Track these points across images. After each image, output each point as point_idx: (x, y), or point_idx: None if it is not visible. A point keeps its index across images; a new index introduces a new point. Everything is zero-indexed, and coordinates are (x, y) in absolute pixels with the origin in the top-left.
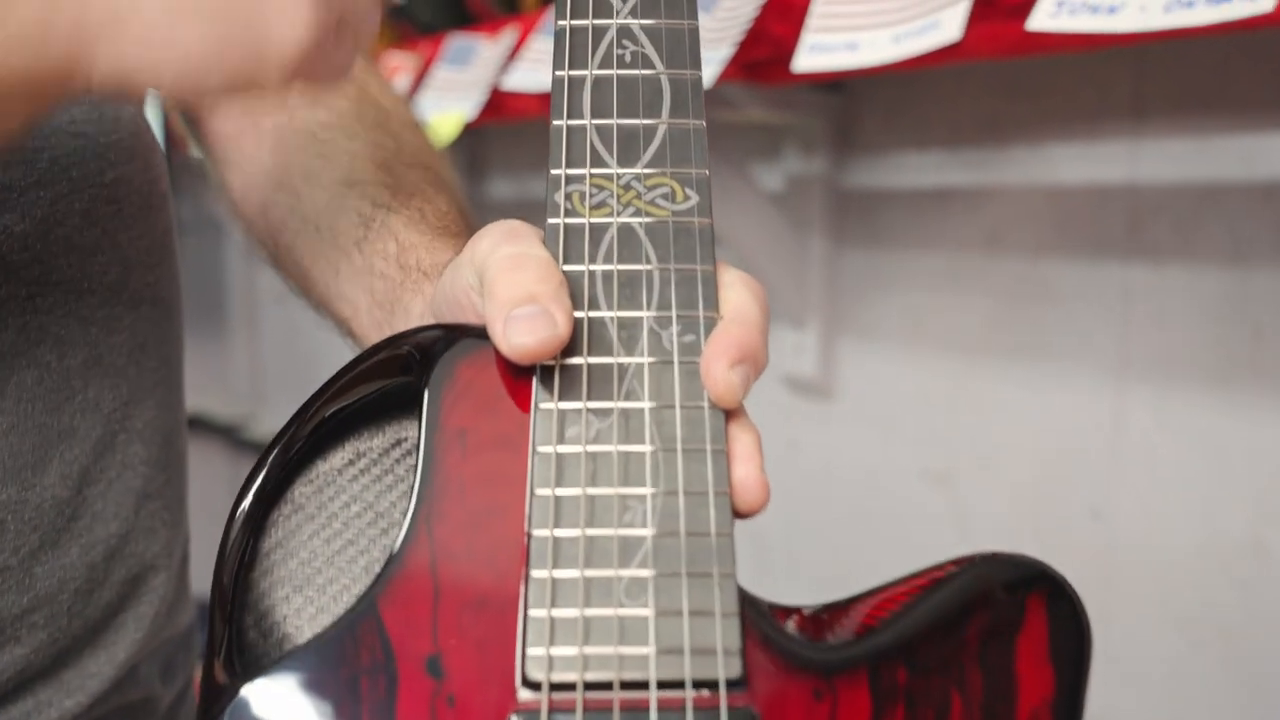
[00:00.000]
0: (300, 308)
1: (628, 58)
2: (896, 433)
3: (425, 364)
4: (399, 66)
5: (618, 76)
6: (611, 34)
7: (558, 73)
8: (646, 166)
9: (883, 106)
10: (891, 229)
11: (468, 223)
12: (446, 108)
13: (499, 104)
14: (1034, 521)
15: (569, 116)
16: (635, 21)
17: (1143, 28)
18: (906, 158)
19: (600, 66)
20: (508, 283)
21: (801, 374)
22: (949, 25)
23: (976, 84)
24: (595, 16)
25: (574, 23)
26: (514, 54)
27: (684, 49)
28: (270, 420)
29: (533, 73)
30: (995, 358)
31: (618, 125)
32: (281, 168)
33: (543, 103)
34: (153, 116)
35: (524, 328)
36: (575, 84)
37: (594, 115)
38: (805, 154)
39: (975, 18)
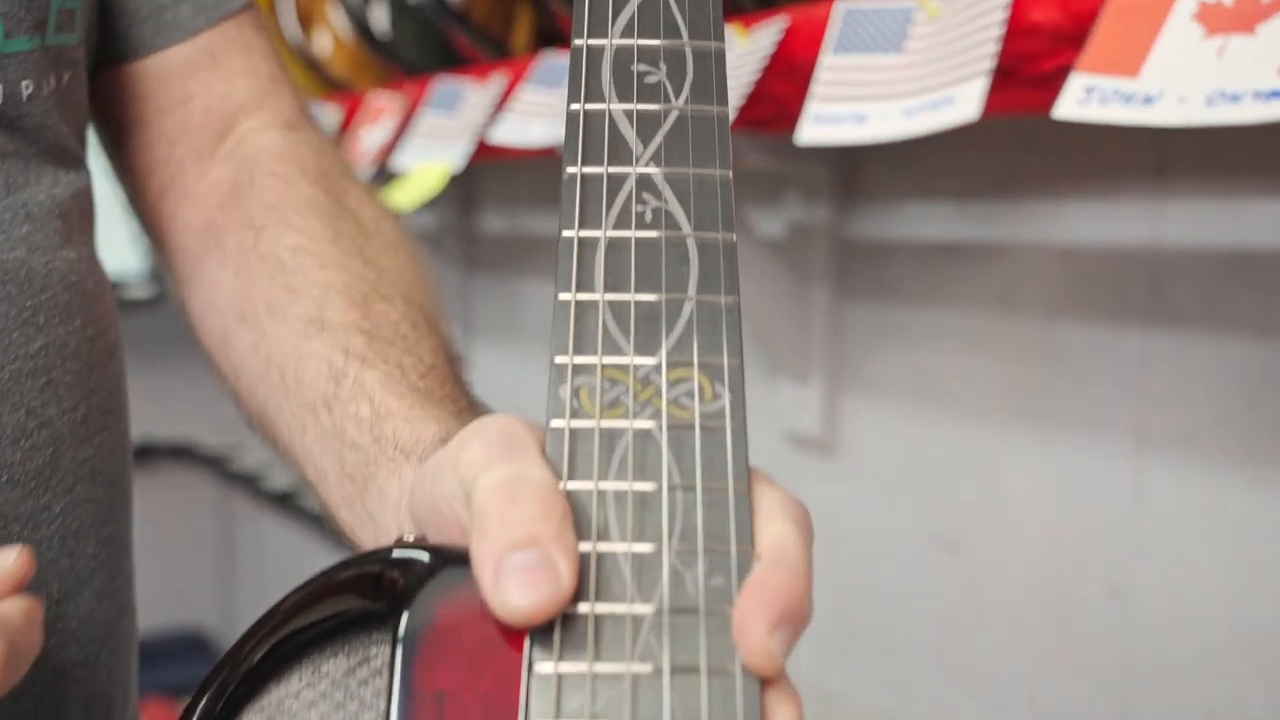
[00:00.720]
0: None
1: (648, 215)
2: (903, 494)
3: (399, 597)
4: (384, 108)
5: (636, 240)
6: (630, 185)
7: (565, 233)
8: (669, 355)
9: (889, 154)
10: (898, 282)
11: (454, 369)
12: (432, 155)
13: (487, 150)
14: (1049, 596)
15: (578, 289)
16: (658, 170)
17: (1182, 122)
18: (914, 209)
19: (616, 226)
20: (502, 519)
21: (803, 430)
22: (965, 102)
23: (989, 135)
24: (611, 163)
25: (586, 170)
26: (503, 101)
27: (715, 205)
28: (260, 450)
29: (521, 125)
30: (1007, 421)
31: (635, 302)
32: (245, 297)
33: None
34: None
35: (520, 583)
36: (586, 248)
37: (608, 288)
38: (808, 201)
39: (994, 88)
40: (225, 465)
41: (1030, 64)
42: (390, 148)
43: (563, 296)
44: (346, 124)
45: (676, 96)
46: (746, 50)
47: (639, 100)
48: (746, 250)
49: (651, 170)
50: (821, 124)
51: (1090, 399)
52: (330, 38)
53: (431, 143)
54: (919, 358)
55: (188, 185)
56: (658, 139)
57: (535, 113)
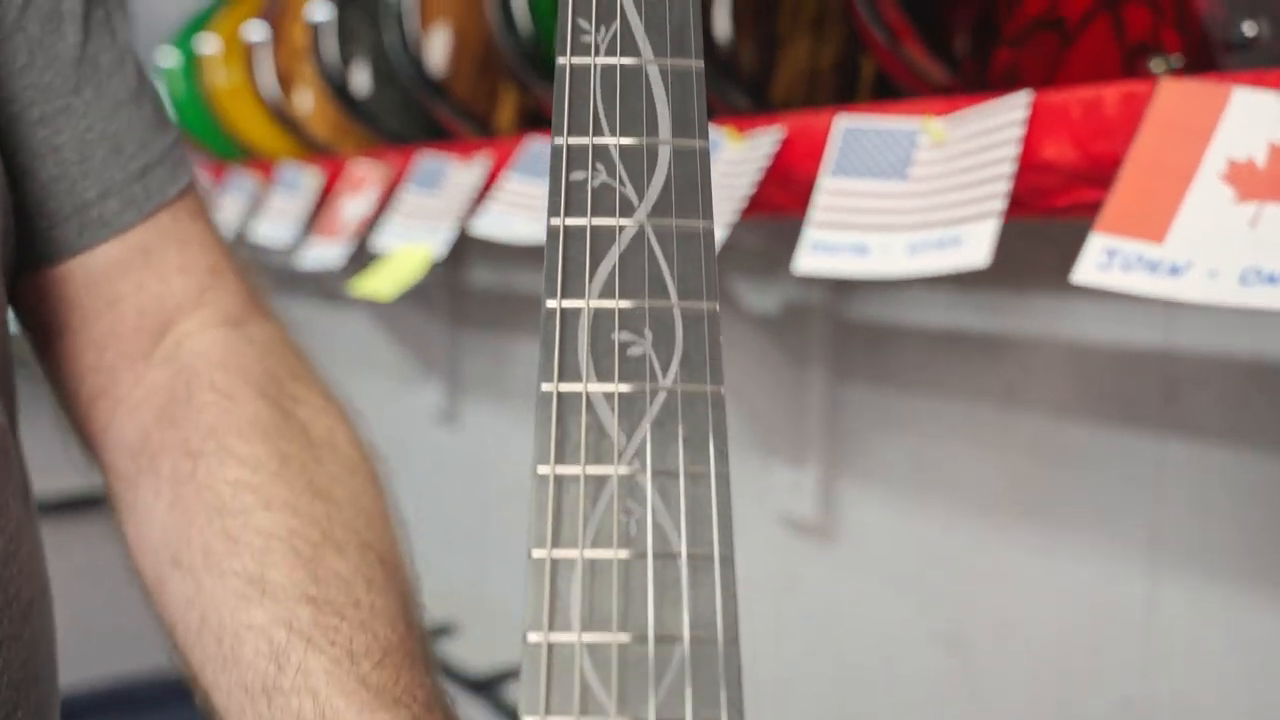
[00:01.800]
0: None
1: (633, 528)
2: (903, 587)
3: None
4: (366, 177)
5: (619, 563)
6: (611, 489)
7: (536, 552)
8: (659, 711)
9: None
10: (898, 367)
11: (413, 641)
12: (414, 236)
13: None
14: (1057, 703)
15: (551, 627)
16: (644, 474)
17: (1213, 301)
18: (915, 294)
19: (595, 544)
20: None
21: (799, 514)
22: (975, 244)
23: None
24: (590, 461)
25: (560, 470)
26: (488, 185)
27: (710, 512)
28: None
29: (505, 218)
30: (1013, 519)
31: (619, 649)
32: (181, 538)
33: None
34: None
35: None
36: (560, 572)
37: (587, 625)
38: (804, 279)
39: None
40: None
41: (1043, 198)
42: (371, 221)
43: (533, 638)
44: (328, 189)
45: (664, 373)
46: (740, 157)
47: (621, 379)
48: (739, 326)
49: (637, 473)
50: (820, 253)
51: (1101, 503)
52: (310, 98)
53: (413, 223)
54: (919, 446)
55: (120, 392)
56: (643, 429)
57: (519, 204)
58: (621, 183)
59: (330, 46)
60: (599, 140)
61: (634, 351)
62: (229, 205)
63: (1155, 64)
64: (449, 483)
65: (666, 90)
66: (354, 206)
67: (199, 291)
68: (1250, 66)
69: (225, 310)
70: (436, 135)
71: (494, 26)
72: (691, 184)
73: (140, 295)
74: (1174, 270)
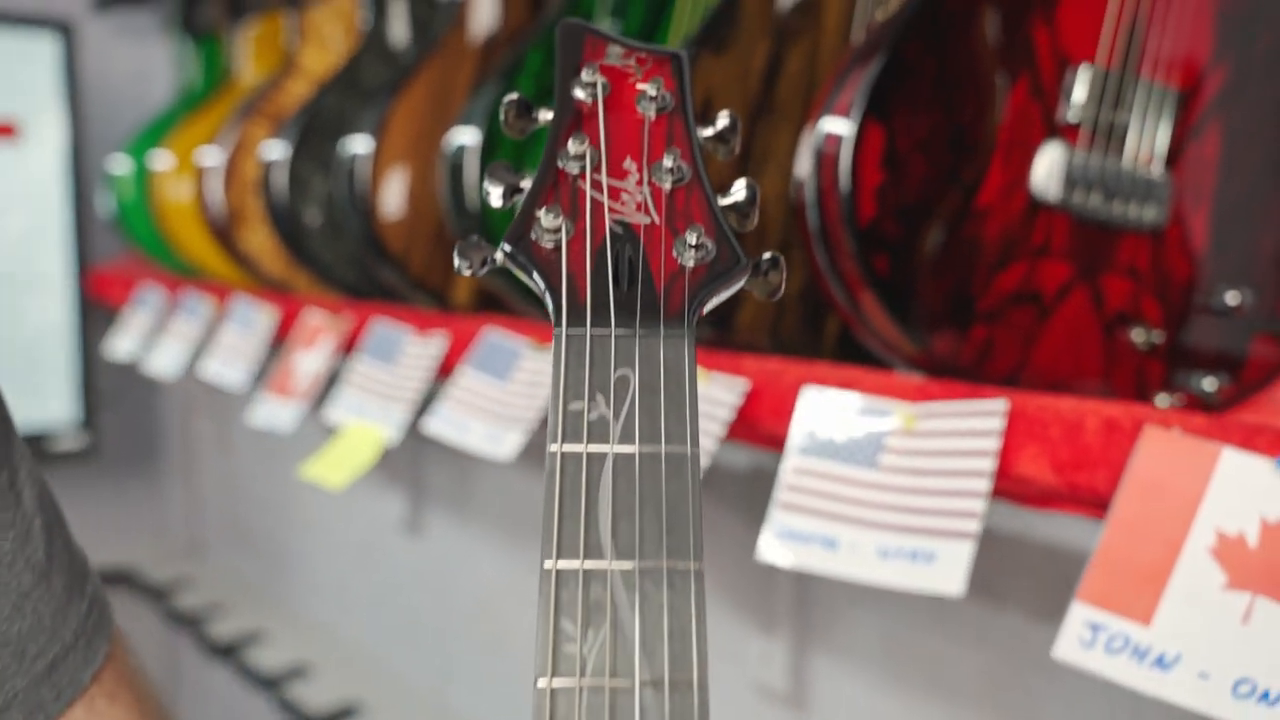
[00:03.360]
0: (243, 456)
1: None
2: None
3: None
4: (321, 329)
5: None
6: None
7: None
8: None
9: None
10: None
11: None
12: (367, 413)
13: None
14: None
15: None
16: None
17: (1202, 709)
18: None
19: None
20: None
21: (770, 683)
22: (949, 568)
23: None
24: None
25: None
26: (444, 367)
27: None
28: (208, 586)
29: (459, 420)
30: (985, 714)
31: None
32: None
33: None
34: None
35: None
36: None
37: None
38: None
39: None
40: (168, 601)
41: (1022, 500)
42: (325, 380)
43: None
44: (282, 331)
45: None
46: (706, 395)
47: None
48: (708, 489)
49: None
50: (787, 541)
51: (1078, 714)
52: (261, 235)
53: (366, 398)
54: (892, 627)
55: None
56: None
57: (475, 405)
58: None
59: (281, 188)
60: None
61: None
62: (181, 328)
63: (1136, 333)
64: (412, 593)
65: None
66: (308, 362)
67: None
68: (1232, 335)
69: None
70: (391, 294)
71: (443, 208)
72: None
73: None
74: (1162, 663)
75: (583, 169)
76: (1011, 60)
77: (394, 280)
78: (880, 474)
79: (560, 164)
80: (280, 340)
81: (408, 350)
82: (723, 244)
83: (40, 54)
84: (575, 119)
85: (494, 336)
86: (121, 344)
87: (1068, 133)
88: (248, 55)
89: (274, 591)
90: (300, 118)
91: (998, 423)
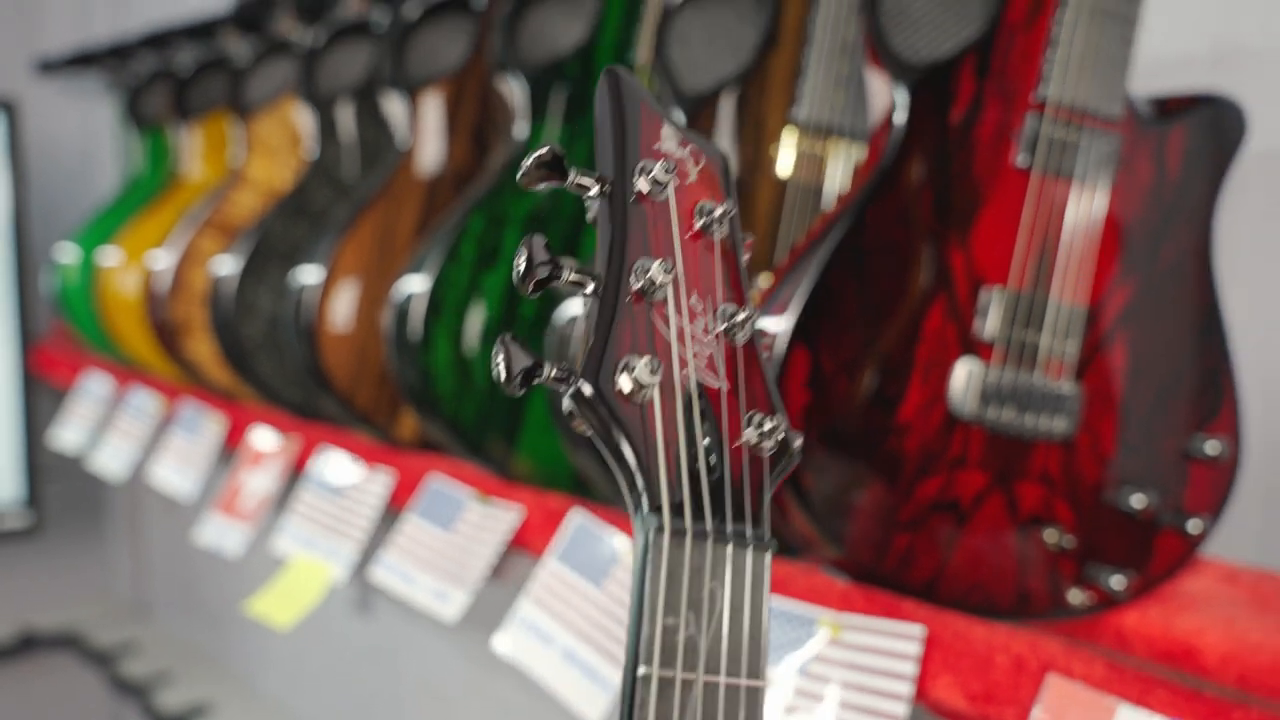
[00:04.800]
0: (190, 517)
1: None
2: None
3: None
4: (264, 455)
5: None
6: None
7: None
8: None
9: None
10: None
11: None
12: (313, 545)
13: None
14: None
15: None
16: None
17: None
18: None
19: None
20: None
21: None
22: None
23: None
24: None
25: None
26: (391, 503)
27: None
28: (155, 651)
29: (404, 571)
30: None
31: None
32: None
33: None
34: None
35: None
36: None
37: None
38: None
39: None
40: (114, 667)
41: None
42: (273, 502)
43: None
44: (231, 439)
45: None
46: None
47: None
48: None
49: None
50: None
51: None
52: (209, 348)
53: (313, 529)
54: None
55: None
56: None
57: (420, 555)
58: None
59: (228, 306)
60: None
61: None
62: (128, 426)
63: (1049, 534)
64: (360, 671)
65: None
66: (255, 482)
67: None
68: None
69: None
70: (336, 419)
71: (388, 355)
72: None
73: None
74: None
75: (661, 298)
76: (929, 284)
77: (338, 412)
78: (808, 682)
79: (635, 284)
80: (229, 449)
81: (356, 484)
82: (784, 426)
83: None
84: (641, 226)
85: (438, 484)
86: (67, 435)
87: (982, 350)
88: (195, 154)
89: (223, 659)
90: (249, 239)
91: (915, 648)
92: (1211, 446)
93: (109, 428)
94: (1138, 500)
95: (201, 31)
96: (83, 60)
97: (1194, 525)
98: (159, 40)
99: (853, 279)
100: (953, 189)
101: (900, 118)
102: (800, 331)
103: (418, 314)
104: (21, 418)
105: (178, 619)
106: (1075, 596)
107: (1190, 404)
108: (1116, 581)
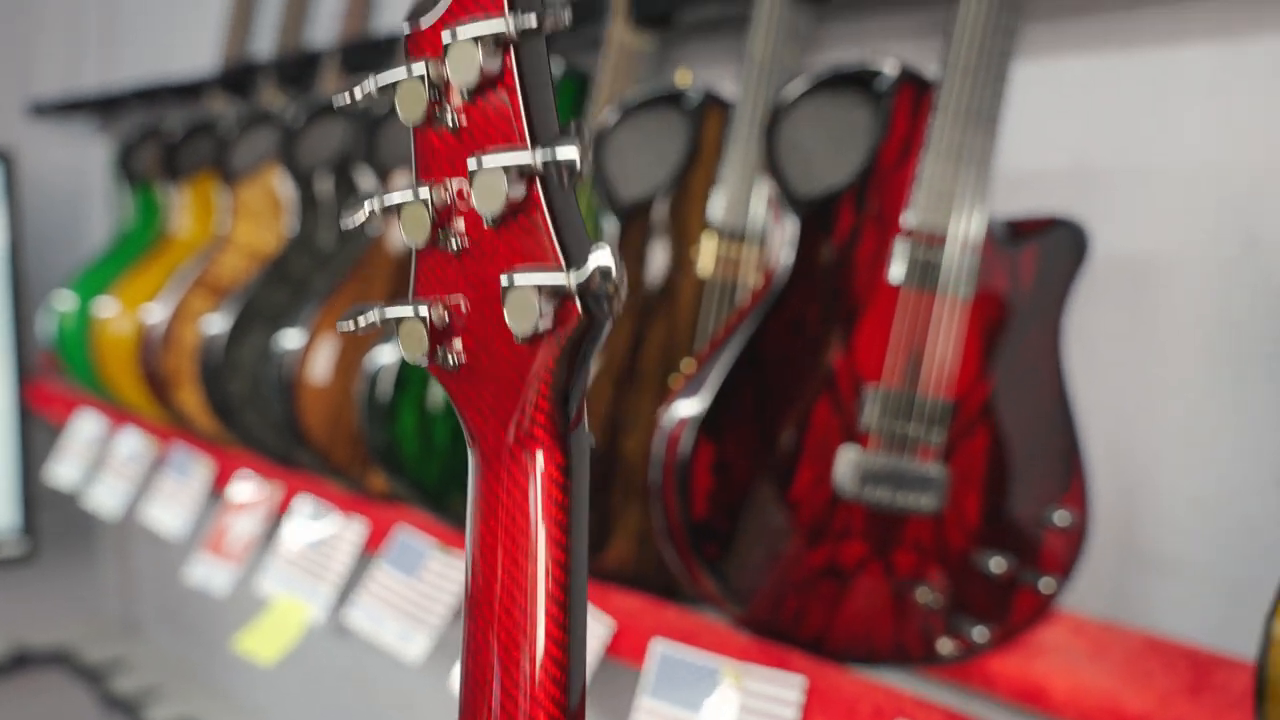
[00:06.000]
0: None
1: None
2: None
3: None
4: (246, 505)
5: None
6: None
7: None
8: None
9: None
10: None
11: None
12: (295, 586)
13: None
14: None
15: None
16: None
17: None
18: None
19: None
20: None
21: None
22: None
23: None
24: None
25: None
26: (367, 548)
27: None
28: (146, 669)
29: (376, 615)
30: None
31: None
32: None
33: None
34: None
35: None
36: None
37: None
38: None
39: None
40: (105, 684)
41: None
42: (257, 544)
43: None
44: (219, 482)
45: None
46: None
47: None
48: None
49: None
50: None
51: None
52: (198, 399)
53: (294, 571)
54: None
55: None
56: None
57: (391, 602)
58: None
59: (216, 364)
60: None
61: None
62: (122, 465)
63: (921, 594)
64: (335, 692)
65: None
66: (241, 525)
67: None
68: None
69: None
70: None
71: (359, 419)
72: None
73: None
74: None
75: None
76: (817, 383)
77: (315, 465)
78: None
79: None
80: (217, 490)
81: (333, 530)
82: None
83: None
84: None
85: (405, 535)
86: (62, 471)
87: (862, 439)
88: (183, 211)
89: (210, 676)
90: (235, 302)
91: (798, 695)
92: (1061, 517)
93: (103, 466)
94: (997, 564)
95: (188, 91)
96: (74, 106)
97: (1046, 584)
98: (148, 95)
99: (751, 381)
100: (836, 303)
101: (791, 241)
102: (706, 426)
103: (386, 385)
104: (18, 450)
105: (166, 637)
106: (945, 646)
107: (1044, 480)
108: (979, 633)
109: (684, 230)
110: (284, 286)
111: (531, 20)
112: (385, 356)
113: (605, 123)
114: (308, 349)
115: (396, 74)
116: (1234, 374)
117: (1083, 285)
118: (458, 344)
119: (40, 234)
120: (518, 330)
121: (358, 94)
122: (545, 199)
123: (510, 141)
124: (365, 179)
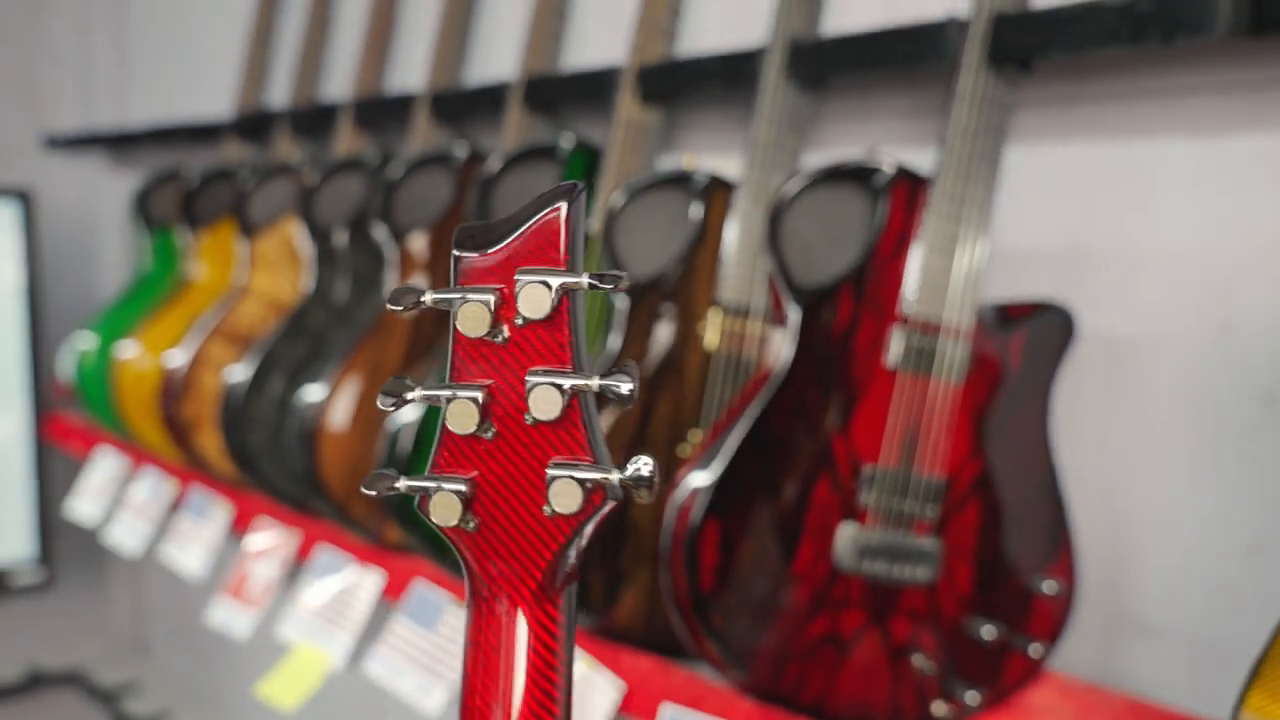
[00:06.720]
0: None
1: None
2: None
3: None
4: (263, 552)
5: None
6: None
7: None
8: None
9: None
10: None
11: None
12: (314, 633)
13: None
14: None
15: None
16: None
17: None
18: None
19: None
20: None
21: None
22: None
23: None
24: None
25: None
26: (384, 595)
27: None
28: (157, 691)
29: (394, 666)
30: None
31: None
32: None
33: None
34: None
35: None
36: None
37: None
38: None
39: None
40: (118, 705)
41: None
42: (277, 589)
43: None
44: (238, 525)
45: None
46: (588, 679)
47: None
48: None
49: None
50: None
51: None
52: (217, 443)
53: (314, 619)
54: None
55: None
56: None
57: (409, 654)
58: None
59: (235, 413)
60: None
61: None
62: (141, 504)
63: (916, 659)
64: (354, 709)
65: None
66: (260, 569)
67: None
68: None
69: None
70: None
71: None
72: None
73: None
74: None
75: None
76: (817, 464)
77: (333, 515)
78: None
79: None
80: (236, 532)
81: (351, 579)
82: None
83: (3, 221)
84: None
85: (422, 588)
86: (82, 507)
87: (861, 515)
88: (202, 258)
89: (219, 698)
90: (255, 354)
91: None
92: (1049, 586)
93: (122, 505)
94: (988, 631)
95: (202, 133)
96: (89, 140)
97: (1035, 649)
98: (162, 135)
99: (756, 461)
100: (836, 387)
101: (794, 330)
102: (713, 506)
103: (405, 444)
104: (35, 482)
105: (177, 660)
106: (939, 709)
107: (1033, 550)
108: (971, 697)
109: (690, 306)
110: (302, 339)
111: (586, 281)
112: (406, 416)
113: (614, 204)
114: (328, 403)
115: (452, 294)
116: (1211, 450)
117: (1070, 364)
118: (481, 511)
119: (54, 266)
120: (558, 509)
121: (416, 302)
122: (584, 410)
123: (561, 363)
124: (381, 234)
